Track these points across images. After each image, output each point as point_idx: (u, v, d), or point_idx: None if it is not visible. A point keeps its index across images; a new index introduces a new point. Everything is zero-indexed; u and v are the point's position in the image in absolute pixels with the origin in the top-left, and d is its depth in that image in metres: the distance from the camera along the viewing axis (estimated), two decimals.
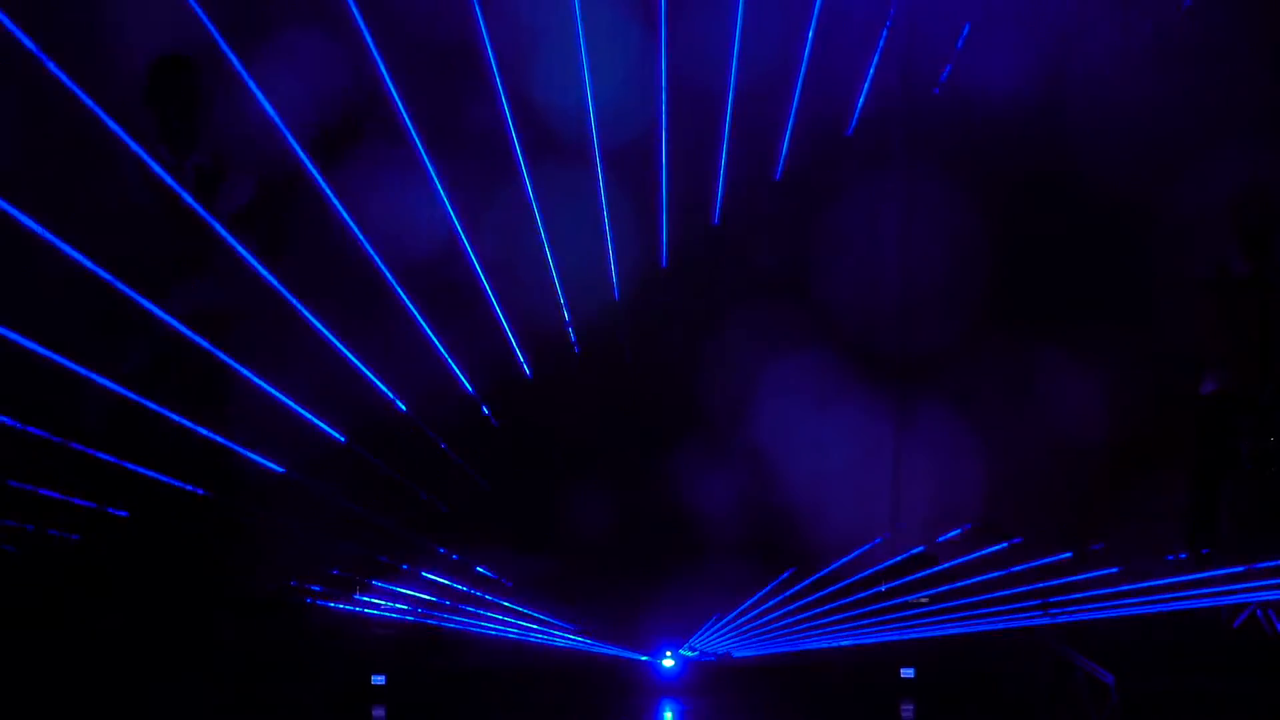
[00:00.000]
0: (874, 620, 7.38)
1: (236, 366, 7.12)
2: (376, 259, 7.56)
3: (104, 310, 6.76)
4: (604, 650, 7.53)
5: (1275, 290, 7.11)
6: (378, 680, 7.08)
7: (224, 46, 7.18)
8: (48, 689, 6.50)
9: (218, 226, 6.83)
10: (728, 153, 7.82)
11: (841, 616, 7.52)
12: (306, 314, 7.41)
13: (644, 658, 7.52)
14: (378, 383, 7.78)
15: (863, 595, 7.48)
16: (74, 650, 6.80)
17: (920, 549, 7.64)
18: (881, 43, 7.99)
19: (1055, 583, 7.30)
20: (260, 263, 6.88)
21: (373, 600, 7.38)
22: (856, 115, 7.97)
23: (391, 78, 7.38)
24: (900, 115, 8.01)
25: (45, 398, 7.00)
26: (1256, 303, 7.09)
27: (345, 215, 7.54)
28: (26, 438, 7.30)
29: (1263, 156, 7.62)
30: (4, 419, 7.32)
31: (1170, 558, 7.32)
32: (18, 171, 7.40)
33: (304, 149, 6.79)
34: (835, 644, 7.40)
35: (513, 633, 7.52)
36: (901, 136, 8.00)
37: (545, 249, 7.74)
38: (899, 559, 7.61)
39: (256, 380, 7.31)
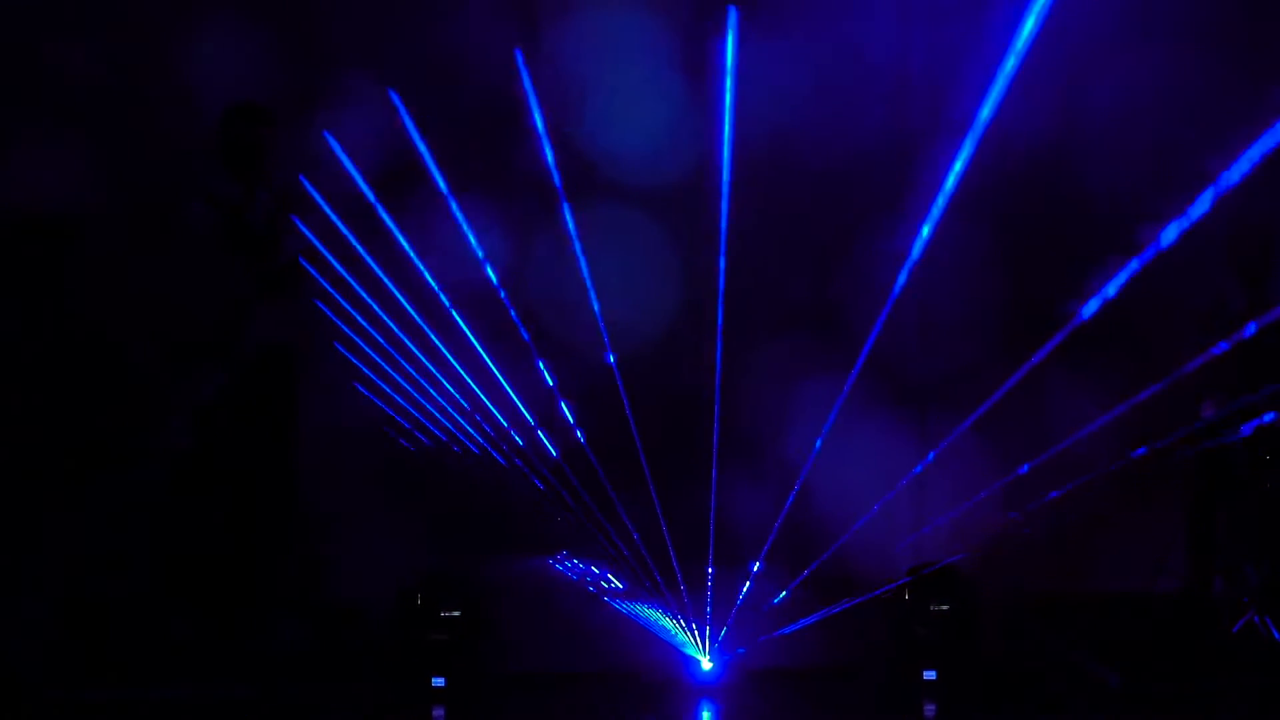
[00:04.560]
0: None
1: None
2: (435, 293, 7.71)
3: (183, 338, 7.12)
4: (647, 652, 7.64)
5: (1272, 320, 7.23)
6: (438, 682, 7.20)
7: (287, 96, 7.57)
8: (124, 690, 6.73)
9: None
10: (757, 190, 7.89)
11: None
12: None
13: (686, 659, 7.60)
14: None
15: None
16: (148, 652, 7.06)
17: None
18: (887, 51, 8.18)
19: None
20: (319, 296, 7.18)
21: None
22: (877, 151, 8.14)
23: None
24: (920, 149, 7.93)
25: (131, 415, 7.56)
26: (1254, 332, 7.19)
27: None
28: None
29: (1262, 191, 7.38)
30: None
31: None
32: (101, 208, 7.69)
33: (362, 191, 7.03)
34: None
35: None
36: (922, 170, 7.81)
37: (587, 283, 7.82)
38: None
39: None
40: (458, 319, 7.82)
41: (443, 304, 7.78)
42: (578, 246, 7.88)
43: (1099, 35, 8.09)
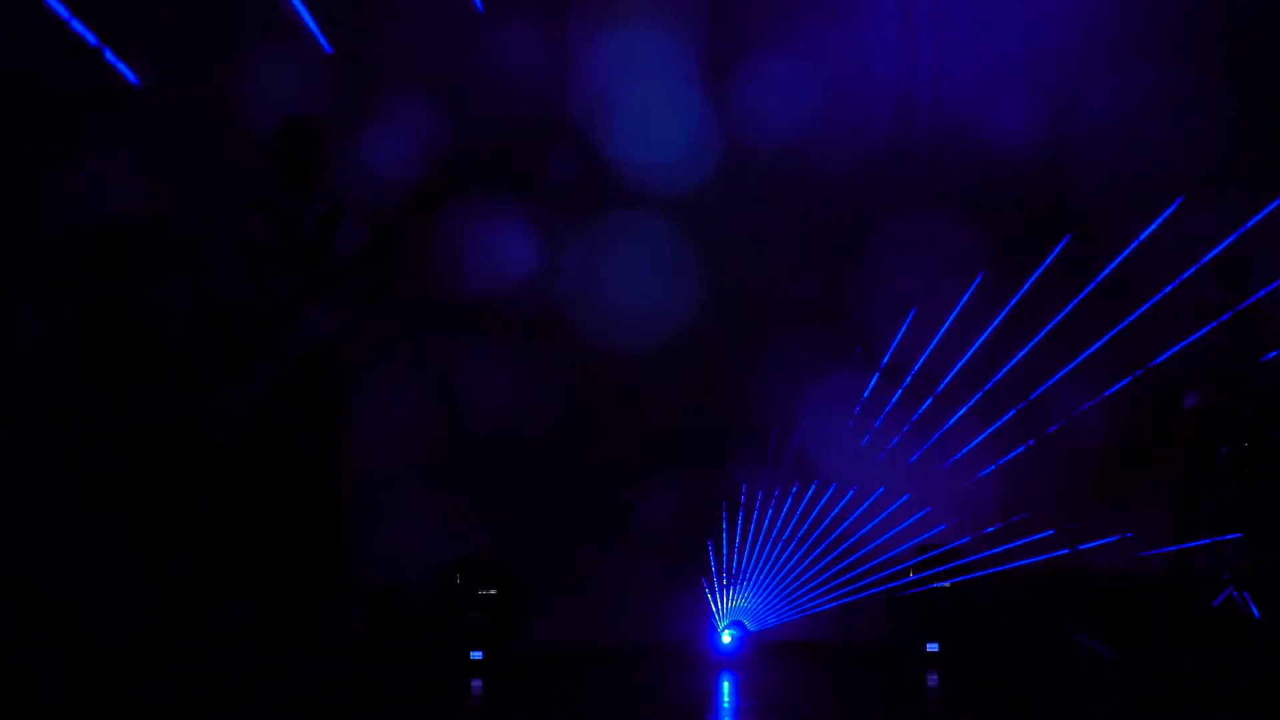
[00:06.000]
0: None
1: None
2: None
3: (237, 338, 7.24)
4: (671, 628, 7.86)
5: (1248, 318, 7.52)
6: (476, 656, 7.50)
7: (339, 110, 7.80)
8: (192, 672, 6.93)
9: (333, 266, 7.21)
10: (771, 198, 8.24)
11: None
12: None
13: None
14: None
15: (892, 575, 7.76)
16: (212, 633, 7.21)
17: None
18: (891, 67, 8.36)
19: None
20: (369, 300, 7.28)
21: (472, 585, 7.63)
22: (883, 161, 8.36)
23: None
24: (924, 160, 8.33)
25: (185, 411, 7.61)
26: (1232, 328, 7.54)
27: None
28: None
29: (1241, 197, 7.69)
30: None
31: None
32: (162, 215, 7.91)
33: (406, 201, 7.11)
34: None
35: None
36: (926, 179, 8.32)
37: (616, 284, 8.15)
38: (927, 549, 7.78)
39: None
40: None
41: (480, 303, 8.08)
42: (605, 250, 8.23)
43: (1095, 48, 8.30)
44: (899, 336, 8.15)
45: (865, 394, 8.08)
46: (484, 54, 8.12)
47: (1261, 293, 7.66)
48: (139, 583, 7.51)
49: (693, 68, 8.24)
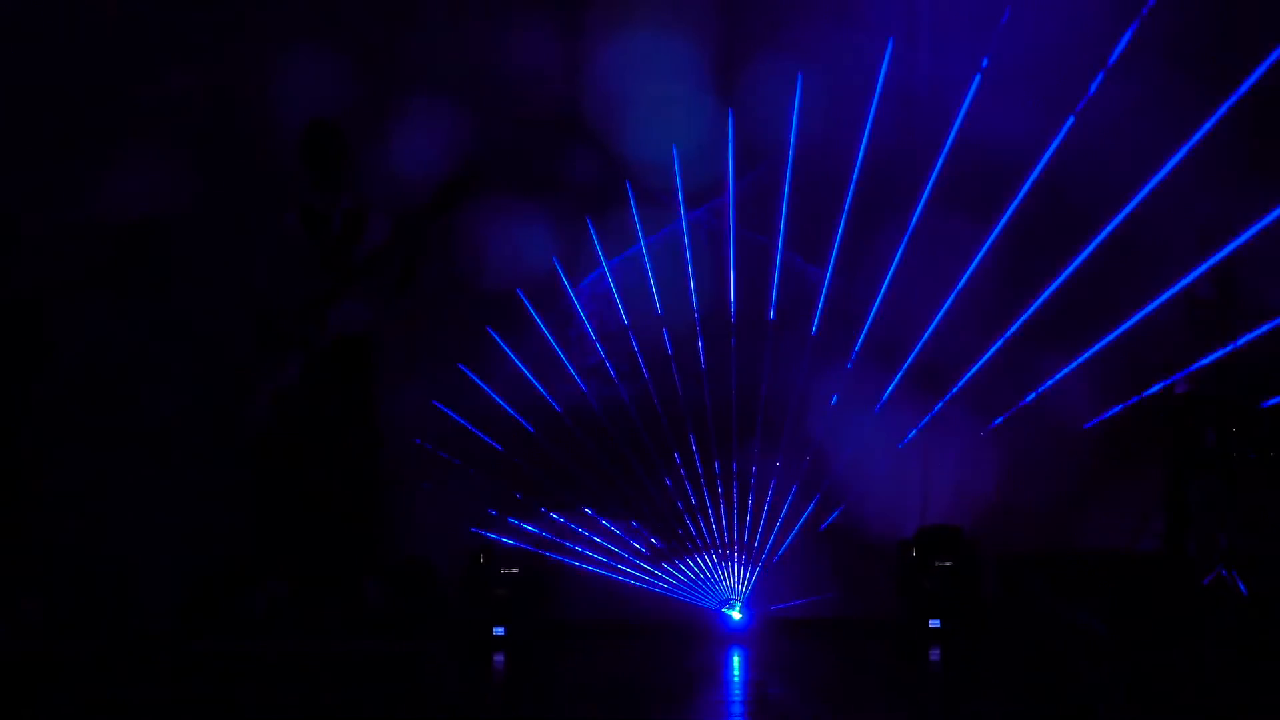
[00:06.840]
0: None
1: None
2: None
3: (268, 331, 7.43)
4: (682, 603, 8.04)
5: (1235, 309, 7.69)
6: (498, 631, 7.67)
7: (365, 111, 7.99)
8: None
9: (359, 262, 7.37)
10: (786, 204, 8.34)
11: None
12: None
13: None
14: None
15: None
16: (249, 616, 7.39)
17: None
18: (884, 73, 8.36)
19: None
20: (394, 292, 7.44)
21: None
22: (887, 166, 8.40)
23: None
24: (926, 164, 8.35)
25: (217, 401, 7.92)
26: (1220, 320, 7.69)
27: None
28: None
29: (1229, 196, 7.87)
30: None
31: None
32: (195, 214, 8.20)
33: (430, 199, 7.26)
34: None
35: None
36: (928, 182, 8.33)
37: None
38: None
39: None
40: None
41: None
42: (618, 243, 8.37)
43: (1094, 48, 8.25)
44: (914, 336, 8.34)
45: (860, 386, 8.28)
46: (504, 55, 8.29)
47: (1250, 284, 7.82)
48: (174, 568, 7.76)
49: (701, 68, 8.35)
